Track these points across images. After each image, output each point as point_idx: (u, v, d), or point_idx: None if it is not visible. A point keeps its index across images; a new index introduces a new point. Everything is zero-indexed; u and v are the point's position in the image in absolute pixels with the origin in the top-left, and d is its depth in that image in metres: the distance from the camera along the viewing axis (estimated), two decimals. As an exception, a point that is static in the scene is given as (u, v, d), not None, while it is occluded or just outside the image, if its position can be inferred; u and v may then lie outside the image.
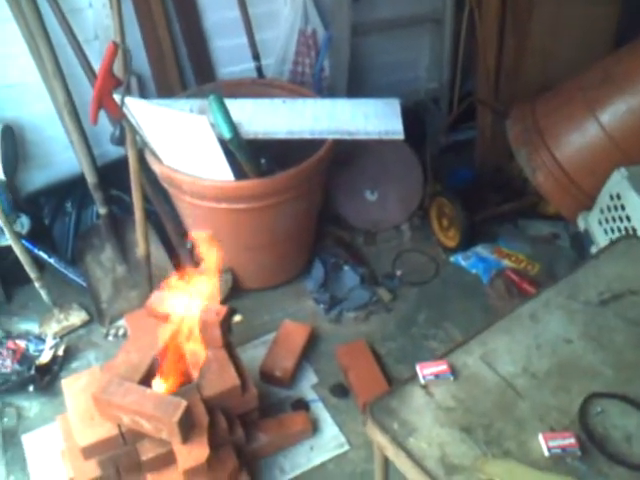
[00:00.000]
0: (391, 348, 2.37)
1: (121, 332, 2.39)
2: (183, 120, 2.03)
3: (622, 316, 1.56)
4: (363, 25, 2.94)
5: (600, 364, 1.45)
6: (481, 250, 2.76)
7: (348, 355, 2.27)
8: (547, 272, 2.64)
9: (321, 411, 2.14)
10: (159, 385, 1.75)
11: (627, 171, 2.28)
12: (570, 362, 1.46)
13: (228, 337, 1.91)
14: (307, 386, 2.23)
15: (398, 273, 2.68)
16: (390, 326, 2.46)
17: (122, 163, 2.35)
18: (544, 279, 2.55)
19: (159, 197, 2.44)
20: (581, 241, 2.48)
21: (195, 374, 1.81)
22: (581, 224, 2.49)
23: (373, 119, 2.39)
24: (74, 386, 1.77)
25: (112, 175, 2.52)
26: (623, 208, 2.23)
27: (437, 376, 1.39)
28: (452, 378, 1.39)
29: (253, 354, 2.28)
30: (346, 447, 2.03)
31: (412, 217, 2.92)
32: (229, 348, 1.89)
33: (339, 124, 2.34)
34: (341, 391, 2.20)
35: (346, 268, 2.61)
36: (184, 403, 1.61)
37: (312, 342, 2.36)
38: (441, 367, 1.40)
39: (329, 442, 2.05)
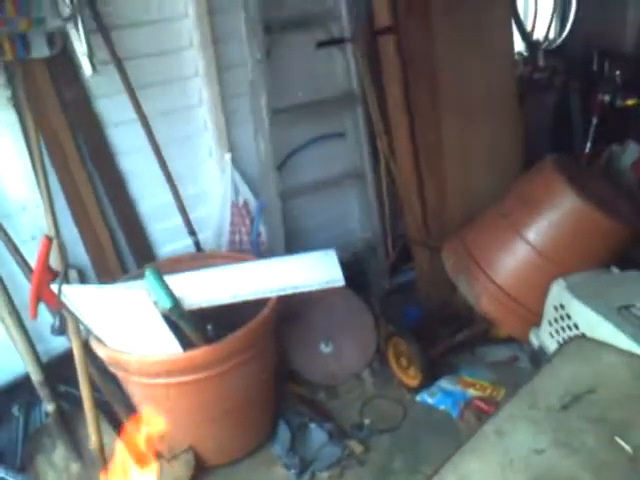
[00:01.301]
0: (371, 504, 2.23)
1: (79, 539, 2.18)
2: (122, 297, 2.04)
3: (586, 416, 1.54)
4: (290, 189, 3.10)
5: (576, 469, 1.40)
6: (445, 383, 2.72)
7: (327, 521, 2.12)
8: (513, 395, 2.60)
9: None
10: None
11: (565, 281, 2.36)
12: (546, 473, 1.40)
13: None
14: None
15: (366, 422, 2.60)
16: (367, 480, 2.34)
17: (69, 357, 2.28)
18: (508, 398, 2.50)
19: (109, 385, 2.37)
20: (539, 358, 2.48)
21: None
22: (534, 341, 2.50)
23: (313, 271, 2.45)
24: None
25: (59, 370, 2.44)
26: (569, 317, 2.27)
27: (414, 514, 1.31)
28: (429, 514, 1.31)
29: (226, 538, 2.10)
30: None
31: (371, 363, 2.88)
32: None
33: (281, 280, 2.38)
34: None
35: (312, 426, 2.52)
36: None
37: (288, 512, 2.21)
38: (416, 503, 1.33)
39: None
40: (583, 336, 2.04)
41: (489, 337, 2.93)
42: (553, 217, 2.52)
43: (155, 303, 2.04)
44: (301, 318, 2.82)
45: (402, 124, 3.03)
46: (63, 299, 2.06)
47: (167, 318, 2.05)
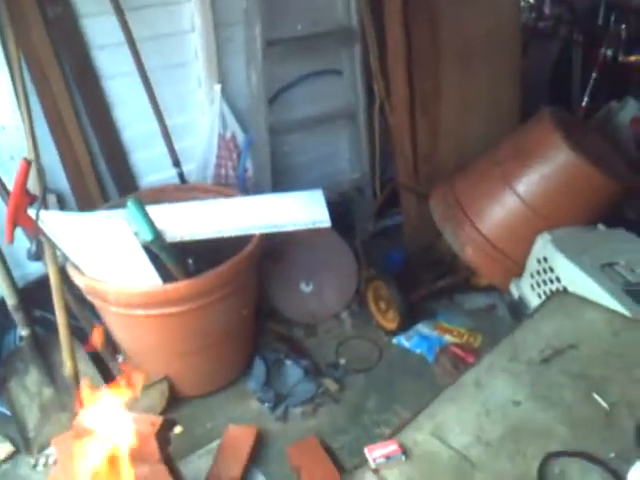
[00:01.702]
0: (344, 441, 2.25)
1: (52, 460, 2.18)
2: (102, 227, 1.98)
3: (566, 371, 1.55)
4: (281, 125, 3.02)
5: (552, 422, 1.41)
6: (422, 328, 2.74)
7: (299, 455, 2.14)
8: (490, 342, 2.62)
9: (275, 523, 1.97)
10: (92, 514, 1.58)
11: (550, 235, 2.35)
12: (522, 424, 1.42)
13: (167, 450, 1.76)
14: (258, 495, 2.06)
15: (342, 361, 2.61)
16: (340, 417, 2.36)
17: (45, 282, 2.24)
18: (488, 350, 2.54)
19: (85, 312, 2.34)
20: (518, 308, 2.50)
21: (132, 495, 1.64)
22: (514, 291, 2.51)
23: (299, 210, 2.41)
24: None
25: (35, 295, 2.40)
26: (552, 270, 2.27)
27: (388, 458, 1.32)
28: (404, 458, 1.32)
29: (198, 466, 2.11)
30: None
31: (350, 304, 2.89)
32: (169, 462, 1.73)
33: (266, 218, 2.34)
34: (295, 496, 2.05)
35: (288, 362, 2.52)
36: (120, 532, 1.45)
37: (260, 444, 2.23)
38: (391, 448, 1.34)
39: None
40: (565, 291, 2.03)
41: (469, 285, 2.93)
42: (545, 170, 2.49)
43: (136, 234, 1.98)
44: (283, 256, 2.79)
45: (400, 65, 2.94)
46: (40, 224, 2.00)
47: (147, 249, 2.00)
